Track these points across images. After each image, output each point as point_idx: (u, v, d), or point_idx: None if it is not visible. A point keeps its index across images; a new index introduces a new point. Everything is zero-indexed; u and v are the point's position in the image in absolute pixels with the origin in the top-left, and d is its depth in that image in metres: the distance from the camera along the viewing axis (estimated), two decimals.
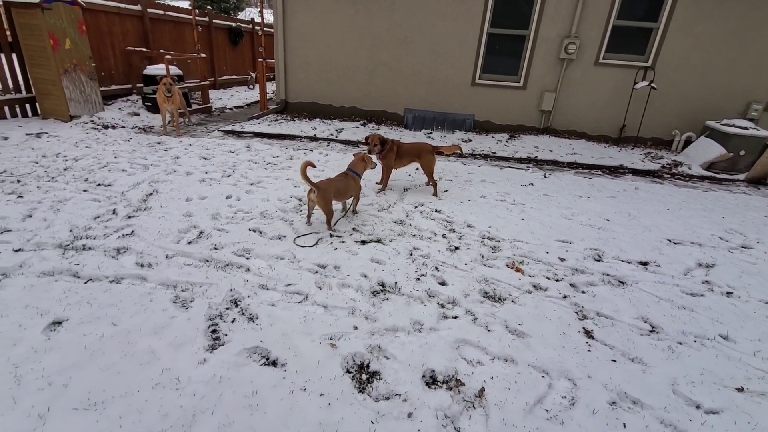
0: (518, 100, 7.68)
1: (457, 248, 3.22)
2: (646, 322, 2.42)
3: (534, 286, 2.71)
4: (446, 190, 4.61)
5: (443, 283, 2.70)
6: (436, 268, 2.88)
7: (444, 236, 3.43)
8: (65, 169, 4.41)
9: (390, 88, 8.04)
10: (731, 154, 5.83)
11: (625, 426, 1.70)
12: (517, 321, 2.32)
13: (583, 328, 2.31)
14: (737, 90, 6.79)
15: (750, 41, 6.51)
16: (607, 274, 2.93)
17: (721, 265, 3.17)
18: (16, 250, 2.71)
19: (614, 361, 2.07)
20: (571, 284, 2.76)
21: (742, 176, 5.81)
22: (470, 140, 7.29)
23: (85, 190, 3.86)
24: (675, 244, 3.55)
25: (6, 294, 2.25)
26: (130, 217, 3.35)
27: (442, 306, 2.46)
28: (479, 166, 5.81)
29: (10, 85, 6.26)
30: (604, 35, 6.89)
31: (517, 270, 2.91)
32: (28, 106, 6.50)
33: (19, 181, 3.98)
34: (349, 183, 3.51)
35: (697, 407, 1.83)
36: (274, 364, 1.90)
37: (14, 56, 6.26)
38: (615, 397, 1.84)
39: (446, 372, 1.92)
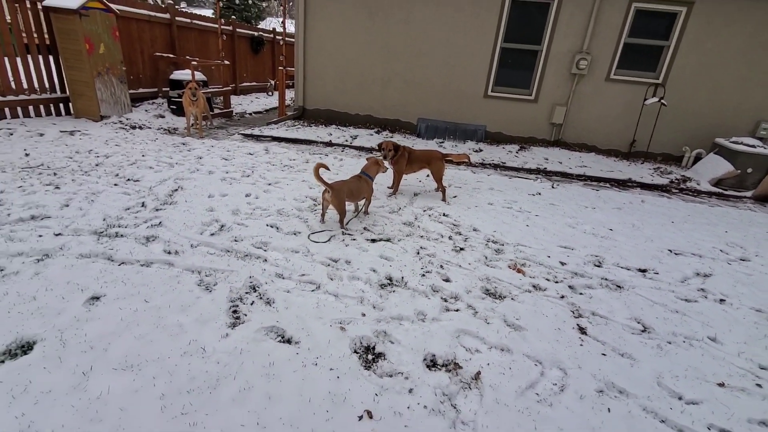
0: (529, 113, 7.85)
1: (462, 249, 3.39)
2: (638, 322, 2.55)
3: (534, 286, 2.86)
4: (455, 196, 4.78)
5: (447, 280, 2.87)
6: (441, 267, 3.05)
7: (450, 238, 3.60)
8: (97, 165, 4.71)
9: (404, 98, 8.28)
10: (738, 171, 5.90)
11: (609, 411, 1.84)
12: (515, 316, 2.47)
13: (578, 325, 2.45)
14: (747, 108, 6.86)
15: (759, 60, 6.60)
16: (605, 279, 3.06)
17: (718, 275, 3.27)
18: (57, 234, 2.97)
19: (604, 355, 2.21)
20: (569, 286, 2.91)
21: (749, 193, 5.86)
22: (481, 150, 7.47)
23: (116, 184, 4.14)
24: (676, 254, 3.66)
25: (49, 271, 2.49)
26: (157, 210, 3.60)
27: (445, 300, 2.63)
28: (488, 175, 5.98)
29: (47, 85, 6.66)
30: (615, 52, 7.05)
31: (519, 271, 3.06)
32: (62, 105, 6.89)
33: (55, 174, 4.27)
34: (361, 185, 3.72)
35: (679, 398, 1.96)
36: (289, 341, 2.09)
37: (50, 59, 6.67)
38: (602, 386, 1.98)
39: (446, 356, 2.09)
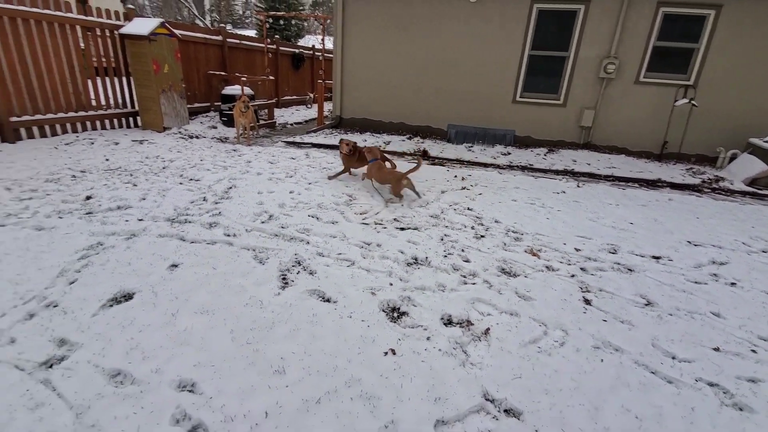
0: (558, 117, 8.01)
1: (482, 236, 3.71)
2: (643, 298, 2.77)
3: (547, 267, 3.14)
4: (480, 194, 5.09)
5: (467, 261, 3.21)
6: (462, 250, 3.39)
7: (472, 228, 3.93)
8: (164, 168, 5.42)
9: (434, 105, 8.69)
10: None
11: (602, 361, 2.11)
12: (526, 289, 2.77)
13: (584, 297, 2.72)
14: None
15: None
16: (618, 263, 3.28)
17: (734, 263, 3.39)
18: (139, 220, 3.58)
19: (605, 321, 2.47)
20: (581, 268, 3.16)
21: None
22: (509, 153, 7.71)
23: (181, 183, 4.79)
24: (694, 245, 3.78)
25: (137, 246, 3.07)
26: (216, 203, 4.18)
27: (464, 276, 2.97)
28: (515, 176, 6.23)
29: (120, 101, 7.63)
30: (644, 55, 7.13)
31: (534, 255, 3.35)
32: (131, 119, 7.85)
33: (131, 175, 5.00)
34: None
35: (672, 357, 2.19)
36: (328, 300, 2.52)
37: (123, 79, 7.64)
38: (599, 344, 2.25)
39: (460, 317, 2.43)
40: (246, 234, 3.44)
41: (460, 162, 7.02)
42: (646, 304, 2.70)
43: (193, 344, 2.04)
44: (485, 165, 6.90)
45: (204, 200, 4.24)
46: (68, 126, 6.80)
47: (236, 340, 2.09)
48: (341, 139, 5.24)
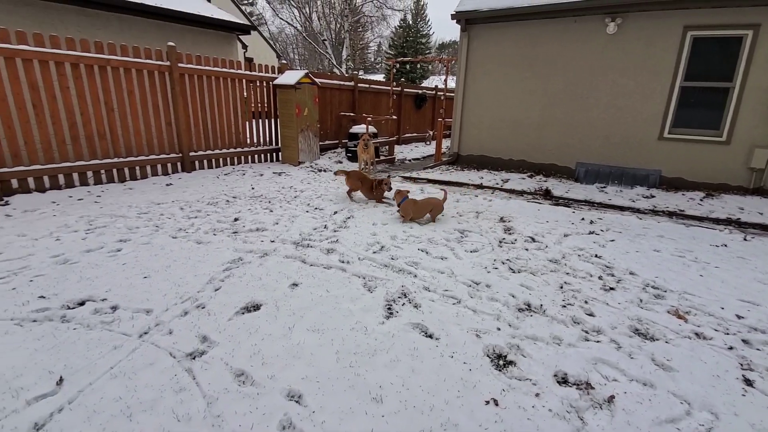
0: (719, 156, 6.77)
1: (612, 289, 3.26)
2: None
3: (696, 334, 2.58)
4: (612, 241, 4.52)
5: (590, 315, 2.84)
6: (585, 302, 3.02)
7: (600, 278, 3.48)
8: (295, 197, 6.14)
9: (561, 141, 8.17)
10: None
11: None
12: (666, 357, 2.32)
13: (743, 376, 2.15)
14: None
15: None
16: None
17: None
18: (272, 241, 4.09)
19: None
20: (743, 340, 2.52)
21: None
22: (653, 196, 6.75)
23: (307, 211, 5.35)
24: None
25: (268, 264, 3.49)
26: (335, 231, 4.54)
27: (586, 332, 2.62)
28: (658, 222, 5.39)
29: (267, 139, 9.00)
30: None
31: (679, 317, 2.80)
32: (274, 154, 9.16)
33: (269, 202, 5.77)
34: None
35: None
36: (430, 336, 2.48)
37: (270, 121, 9.02)
38: None
39: (578, 377, 2.14)
40: (358, 262, 3.64)
41: (589, 203, 6.39)
42: None
43: (303, 358, 2.20)
44: (621, 208, 6.15)
45: (325, 228, 4.64)
46: (228, 159, 8.24)
47: (340, 361, 2.18)
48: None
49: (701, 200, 6.44)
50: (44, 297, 2.81)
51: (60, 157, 5.81)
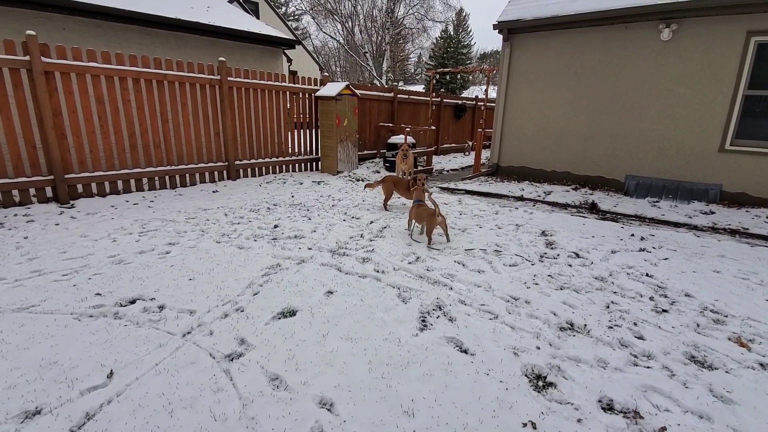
0: None
1: (665, 311, 3.03)
2: None
3: (761, 365, 2.34)
4: (666, 259, 4.23)
5: (640, 338, 2.65)
6: (635, 324, 2.83)
7: (651, 299, 3.26)
8: (333, 206, 6.23)
9: (609, 153, 7.80)
10: None
11: None
12: (726, 388, 2.11)
13: None
14: None
15: None
16: None
17: None
18: (309, 248, 4.17)
19: None
20: None
21: None
22: (713, 213, 6.26)
23: (344, 220, 5.41)
24: None
25: (305, 271, 3.56)
26: (371, 240, 4.55)
27: (635, 356, 2.45)
28: (719, 241, 4.98)
29: (307, 149, 9.25)
30: None
31: (742, 345, 2.55)
32: (313, 163, 9.39)
33: (308, 210, 5.90)
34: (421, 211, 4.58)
35: None
36: (465, 352, 2.40)
37: (311, 131, 9.27)
38: None
39: (625, 404, 1.99)
40: (393, 272, 3.62)
41: (640, 219, 6.03)
42: None
43: (336, 366, 2.20)
44: (675, 225, 5.76)
45: (361, 237, 4.67)
46: (270, 168, 8.53)
47: (372, 371, 2.17)
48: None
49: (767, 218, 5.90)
50: (100, 294, 3.01)
51: (120, 165, 6.27)
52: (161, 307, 2.86)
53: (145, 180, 6.61)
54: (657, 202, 6.95)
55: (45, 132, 5.37)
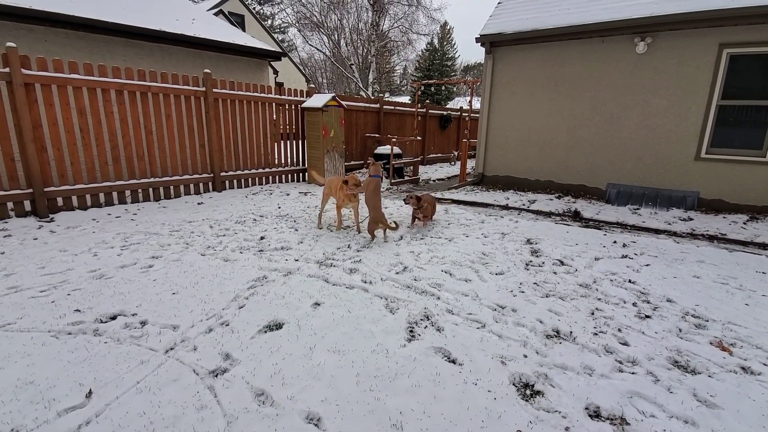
0: (764, 177, 6.41)
1: (648, 317, 3.08)
2: None
3: (743, 368, 2.39)
4: (647, 265, 4.32)
5: (624, 344, 2.69)
6: (619, 330, 2.87)
7: (634, 305, 3.31)
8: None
9: (591, 162, 7.97)
10: None
11: None
12: (709, 392, 2.15)
13: None
14: None
15: None
16: None
17: None
18: (296, 260, 4.13)
19: None
20: None
21: None
22: (691, 219, 6.43)
23: (331, 231, 5.39)
24: None
25: (291, 282, 3.52)
26: (358, 251, 4.54)
27: (620, 362, 2.48)
28: (698, 247, 5.11)
29: (294, 160, 9.23)
30: None
31: (724, 349, 2.60)
32: (300, 174, 9.37)
33: (294, 221, 5.86)
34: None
35: None
36: (453, 362, 2.40)
37: (297, 142, 9.26)
38: None
39: (611, 410, 2.01)
40: (380, 282, 3.61)
41: (622, 226, 6.15)
42: None
43: (323, 380, 2.18)
44: (656, 231, 5.89)
45: (348, 247, 4.65)
46: (256, 179, 8.48)
47: (360, 384, 2.14)
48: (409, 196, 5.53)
49: (744, 223, 6.08)
50: (79, 311, 2.93)
51: (101, 177, 6.15)
52: (143, 323, 2.79)
53: (128, 192, 6.49)
54: (638, 209, 7.11)
55: (24, 144, 5.25)
